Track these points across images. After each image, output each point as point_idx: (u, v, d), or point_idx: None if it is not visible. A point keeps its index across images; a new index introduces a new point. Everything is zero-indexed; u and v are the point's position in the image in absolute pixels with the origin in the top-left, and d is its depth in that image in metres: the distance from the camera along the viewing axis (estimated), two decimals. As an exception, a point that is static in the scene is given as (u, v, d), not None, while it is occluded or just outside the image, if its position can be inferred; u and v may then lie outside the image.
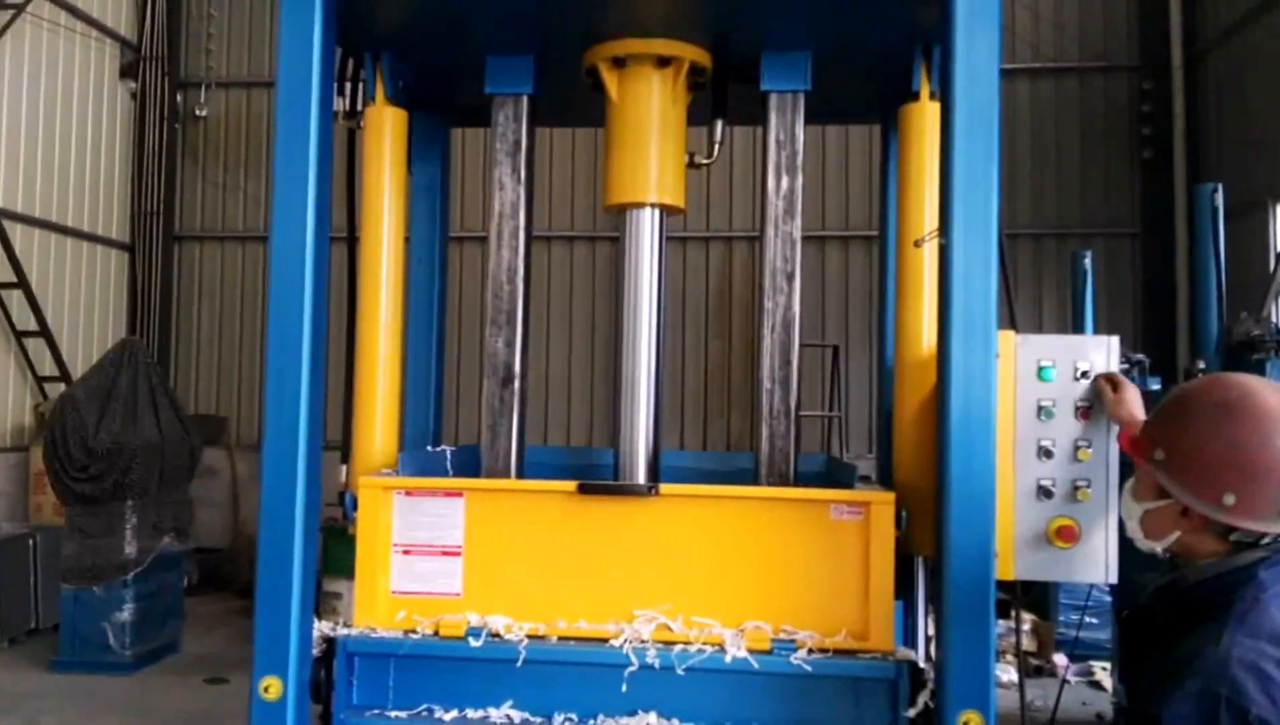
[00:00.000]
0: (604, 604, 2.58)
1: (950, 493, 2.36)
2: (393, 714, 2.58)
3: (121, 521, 7.09)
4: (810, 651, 2.47)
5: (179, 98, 11.25)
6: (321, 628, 2.60)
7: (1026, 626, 6.64)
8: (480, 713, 2.56)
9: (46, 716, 6.17)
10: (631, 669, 2.47)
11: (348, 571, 6.76)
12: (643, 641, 2.50)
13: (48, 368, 9.43)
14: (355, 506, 2.69)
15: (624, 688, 2.49)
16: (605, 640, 2.53)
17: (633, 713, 2.50)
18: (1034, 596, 7.55)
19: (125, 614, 7.13)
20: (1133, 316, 10.10)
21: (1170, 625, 1.79)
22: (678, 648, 2.49)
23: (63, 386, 8.30)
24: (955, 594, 2.36)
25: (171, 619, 7.73)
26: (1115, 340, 2.63)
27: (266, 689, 2.51)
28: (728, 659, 2.45)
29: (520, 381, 2.94)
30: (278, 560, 2.52)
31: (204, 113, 11.27)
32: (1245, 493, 1.71)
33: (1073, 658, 6.81)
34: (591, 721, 2.51)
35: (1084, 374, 2.60)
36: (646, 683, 2.50)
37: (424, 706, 2.59)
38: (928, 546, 2.68)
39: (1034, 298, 10.21)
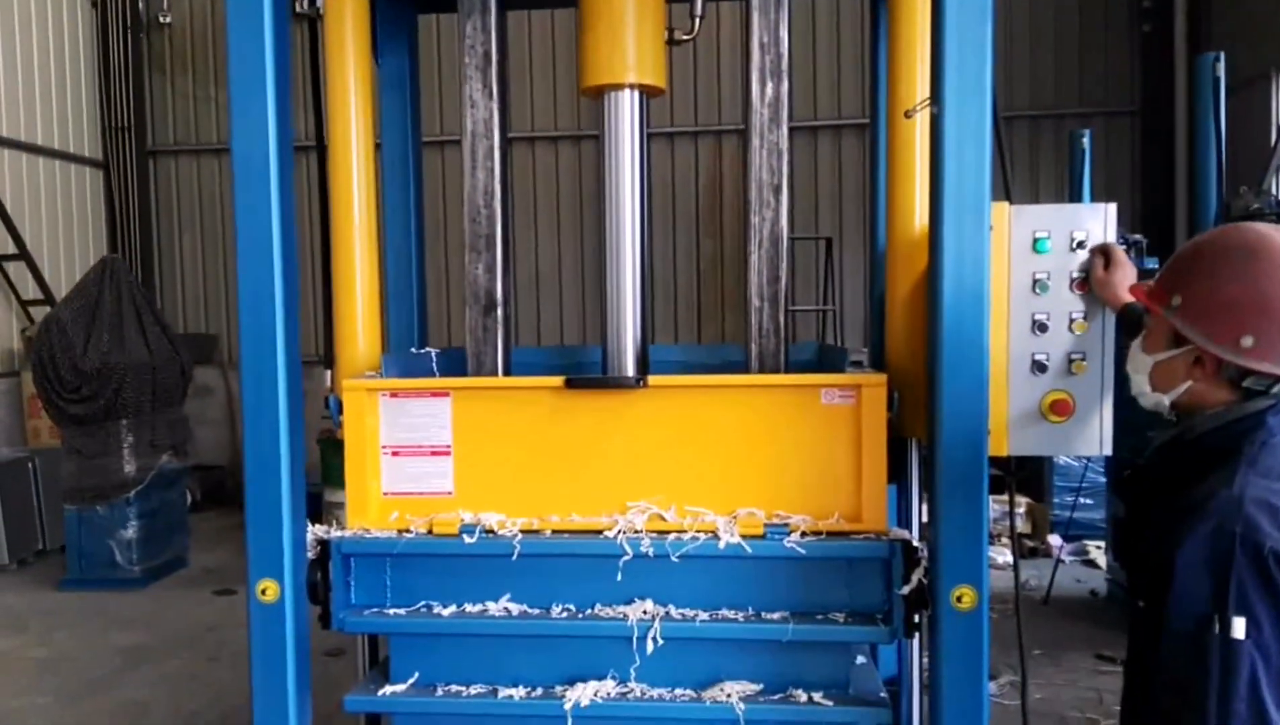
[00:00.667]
0: (596, 497, 2.57)
1: (942, 370, 2.32)
2: (391, 612, 2.60)
3: (118, 441, 7.10)
4: (803, 535, 2.47)
5: (140, 5, 10.85)
6: (315, 531, 2.60)
7: (1021, 509, 6.72)
8: (478, 607, 2.57)
9: (61, 632, 6.28)
10: (626, 559, 2.47)
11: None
12: (636, 532, 2.50)
13: (30, 291, 9.32)
14: (340, 410, 2.65)
15: (619, 577, 2.49)
16: (599, 532, 2.52)
17: (629, 601, 2.52)
18: (1029, 475, 7.64)
19: (130, 531, 7.20)
20: (1131, 197, 9.95)
21: (1176, 478, 1.77)
22: (671, 537, 2.48)
23: (47, 309, 8.21)
24: (947, 470, 2.34)
25: (177, 534, 7.81)
26: (1112, 207, 2.56)
27: (264, 592, 2.52)
28: (721, 545, 2.45)
29: (504, 308, 2.87)
30: (264, 464, 2.48)
31: (168, 20, 10.89)
32: (1263, 334, 1.69)
33: (1067, 538, 6.92)
34: (589, 610, 2.53)
35: (1080, 245, 2.54)
36: (641, 572, 2.50)
37: (422, 604, 2.60)
38: (920, 429, 2.65)
39: (1030, 181, 10.06)
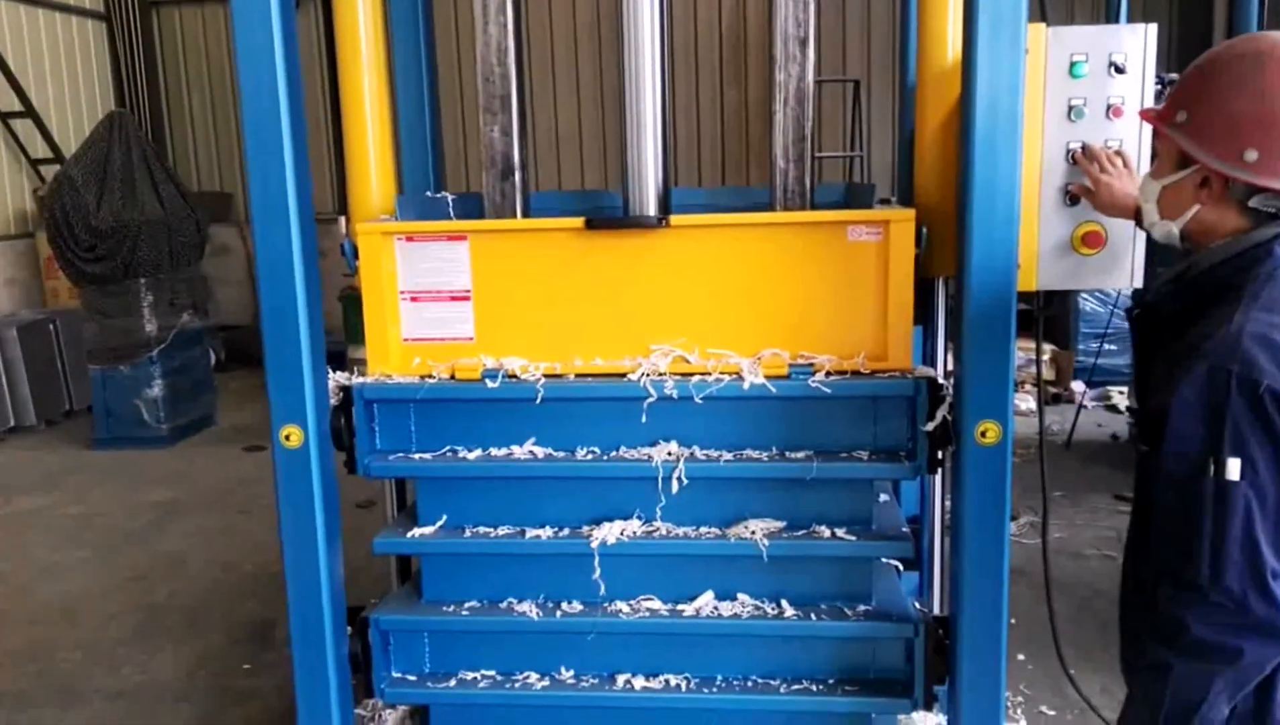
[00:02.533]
0: (619, 341, 2.54)
1: (973, 199, 2.23)
2: (416, 457, 2.61)
3: (137, 300, 7.11)
4: (828, 374, 2.44)
5: None
6: (337, 377, 2.58)
7: (1045, 356, 6.67)
8: (503, 451, 2.58)
9: (93, 490, 6.43)
10: (650, 401, 2.45)
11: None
12: (660, 375, 2.48)
13: (39, 150, 9.19)
14: (356, 255, 2.60)
15: (643, 419, 2.48)
16: (622, 376, 2.50)
17: (653, 443, 2.52)
18: (1054, 314, 7.52)
19: (156, 390, 7.29)
20: (1168, 24, 9.50)
21: (1181, 316, 1.69)
22: (695, 379, 2.46)
23: (57, 168, 8.10)
24: (976, 302, 2.28)
25: (204, 393, 7.91)
26: (1153, 29, 2.41)
27: (288, 437, 2.53)
28: (745, 386, 2.43)
29: (521, 172, 2.77)
30: (281, 307, 2.45)
31: None
32: (1268, 147, 1.58)
33: (1090, 384, 6.91)
34: (613, 453, 2.53)
35: (1117, 68, 2.40)
36: (665, 414, 2.50)
37: (447, 448, 2.61)
38: (949, 266, 2.58)
39: (1065, 4, 9.63)
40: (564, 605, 2.60)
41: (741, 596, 2.57)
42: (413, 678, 2.68)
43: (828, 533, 2.50)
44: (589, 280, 2.54)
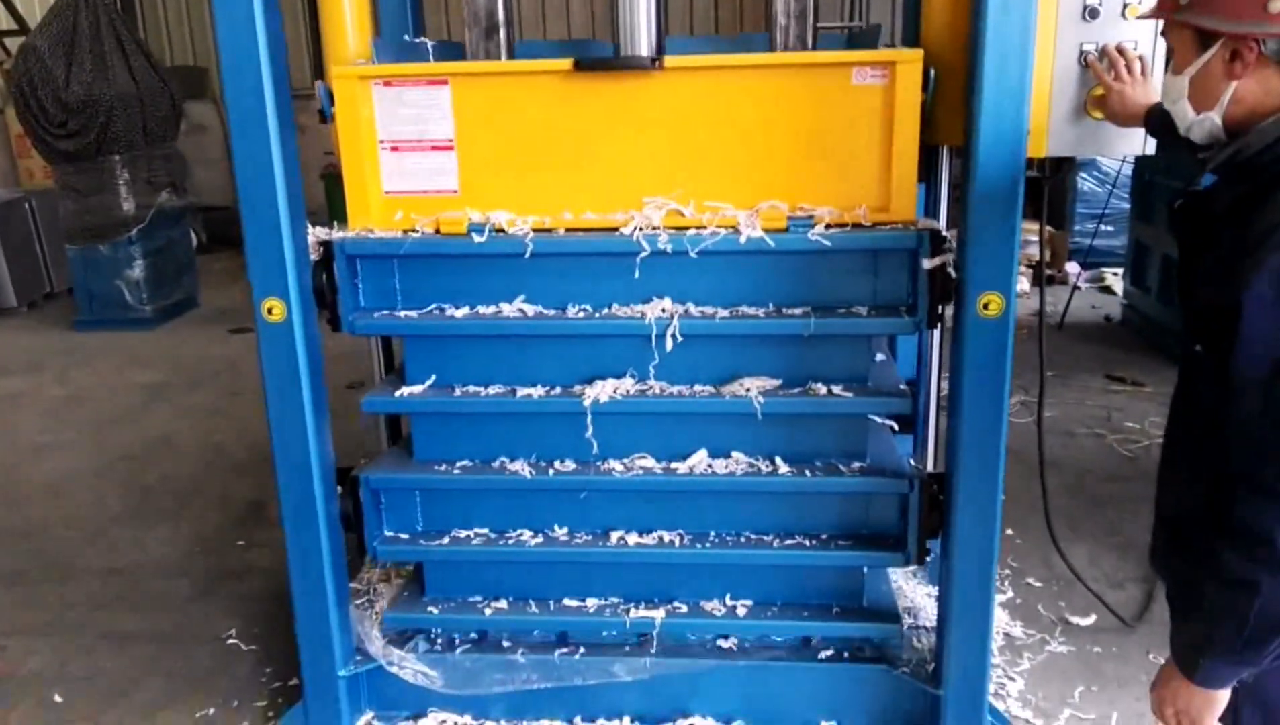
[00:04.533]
0: (610, 193, 2.45)
1: (984, 59, 2.13)
2: (402, 314, 2.54)
3: (113, 177, 6.92)
4: (828, 226, 2.36)
5: None
6: (316, 232, 2.49)
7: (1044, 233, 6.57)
8: (492, 308, 2.52)
9: (78, 371, 6.37)
10: (643, 255, 2.38)
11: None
12: (654, 228, 2.39)
13: (4, 22, 8.81)
14: (331, 100, 2.47)
15: (636, 275, 2.42)
16: (614, 230, 2.42)
17: (646, 300, 2.46)
18: (1053, 195, 7.41)
19: (137, 271, 7.16)
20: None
21: (1236, 205, 1.52)
22: (690, 232, 2.38)
23: (23, 41, 7.76)
24: (983, 172, 2.20)
25: (186, 274, 7.78)
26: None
27: (270, 311, 2.46)
28: (742, 240, 2.35)
29: (506, 30, 2.62)
30: (257, 175, 2.35)
31: None
32: None
33: (1085, 266, 6.85)
34: (605, 310, 2.47)
35: None
36: (659, 270, 2.43)
37: (433, 306, 2.55)
38: (954, 134, 2.48)
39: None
40: (556, 464, 2.59)
41: (736, 454, 2.56)
42: (405, 536, 2.69)
43: (824, 390, 2.47)
44: (578, 129, 2.43)
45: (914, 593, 3.00)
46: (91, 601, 3.57)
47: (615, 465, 2.56)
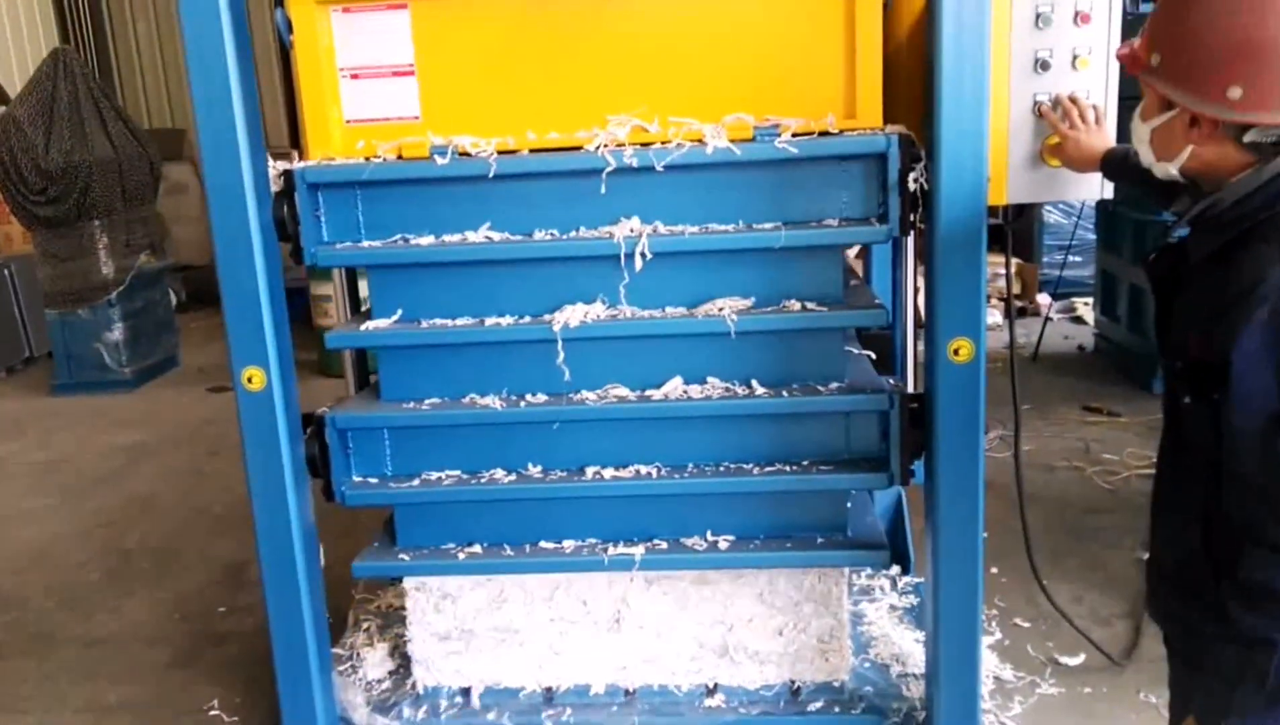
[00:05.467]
0: (574, 112, 2.43)
1: (941, 118, 2.19)
2: (365, 245, 2.50)
3: (92, 242, 6.92)
4: (795, 135, 2.35)
5: None
6: (276, 165, 2.45)
7: (1011, 270, 6.66)
8: (457, 236, 2.48)
9: (60, 434, 6.33)
10: (609, 171, 2.35)
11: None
12: (619, 144, 2.37)
13: (-19, 91, 8.84)
14: (290, 29, 2.45)
15: (603, 191, 2.38)
16: (579, 148, 2.39)
17: (614, 221, 2.43)
18: (1019, 230, 7.52)
19: (116, 333, 7.14)
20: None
21: (1211, 259, 1.54)
22: (656, 146, 2.36)
23: (2, 109, 7.80)
24: (946, 223, 2.26)
25: (165, 335, 7.76)
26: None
27: (250, 380, 2.48)
28: (709, 151, 2.33)
29: None
30: (235, 249, 2.38)
31: None
32: (1251, 82, 1.44)
33: (1055, 296, 6.93)
34: (573, 233, 2.44)
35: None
36: (626, 189, 2.40)
37: (398, 236, 2.51)
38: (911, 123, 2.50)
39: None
40: (528, 397, 2.54)
41: (711, 380, 2.52)
42: (374, 481, 2.63)
43: (798, 306, 2.44)
44: (539, 48, 2.42)
45: (901, 639, 3.01)
46: (71, 674, 3.53)
47: (588, 396, 2.51)
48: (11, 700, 3.39)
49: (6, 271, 7.82)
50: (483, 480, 2.57)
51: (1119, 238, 5.98)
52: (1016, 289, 7.38)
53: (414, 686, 2.83)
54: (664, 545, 2.58)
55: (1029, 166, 2.41)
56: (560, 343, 2.44)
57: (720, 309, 2.43)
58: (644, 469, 2.55)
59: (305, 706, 2.63)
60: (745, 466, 2.54)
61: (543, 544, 2.63)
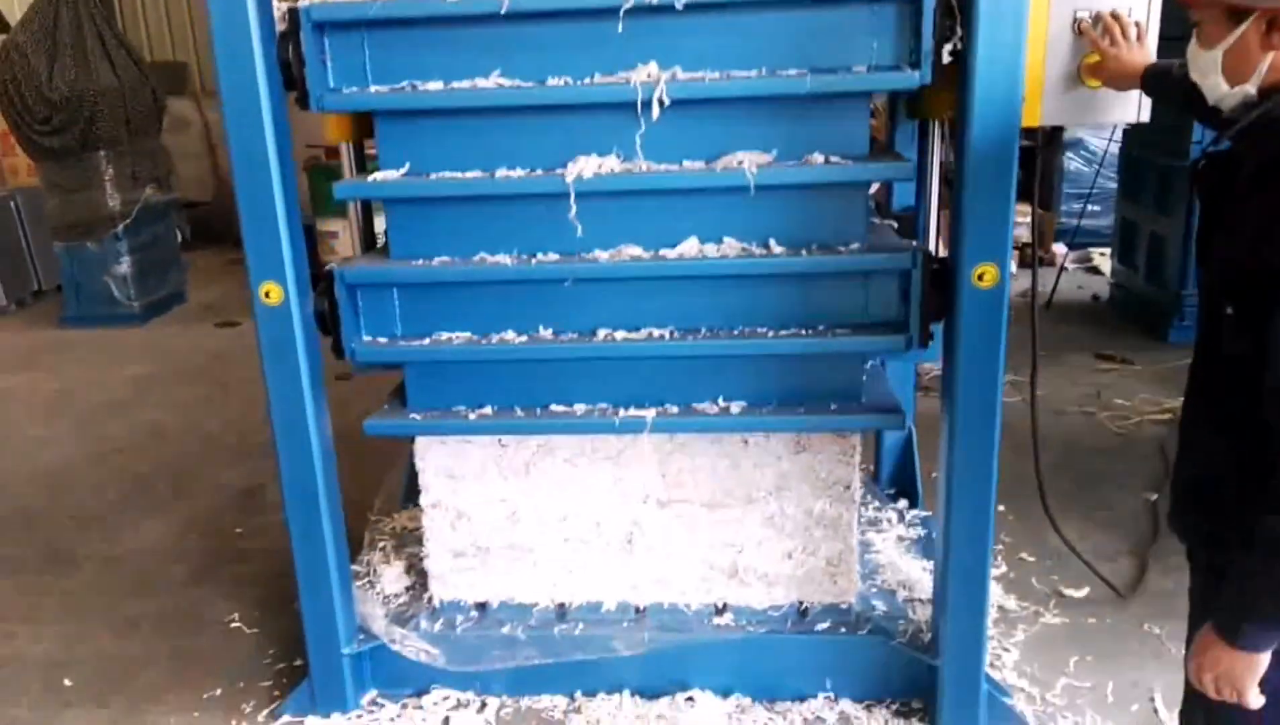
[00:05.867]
0: None
1: (978, 27, 2.15)
2: (373, 89, 2.44)
3: (98, 173, 6.87)
4: None
5: None
6: (281, 4, 2.37)
7: (1025, 220, 6.62)
8: (467, 83, 2.42)
9: (70, 366, 6.34)
10: (627, 6, 2.26)
11: (337, 210, 6.51)
12: None
13: (-15, 19, 8.75)
14: None
15: (620, 29, 2.30)
16: None
17: (631, 67, 2.36)
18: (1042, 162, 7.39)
19: (124, 266, 7.12)
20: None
21: (1266, 166, 1.50)
22: None
23: (3, 37, 7.71)
24: (978, 140, 2.22)
25: (173, 270, 7.74)
26: None
27: (267, 294, 2.47)
28: None
29: None
30: (252, 160, 2.37)
31: None
32: None
33: (1071, 246, 6.89)
34: (587, 80, 2.37)
35: None
36: (644, 32, 2.31)
37: (405, 82, 2.44)
38: (944, 106, 2.50)
39: None
40: (539, 256, 2.50)
41: (728, 240, 2.47)
42: (384, 340, 2.60)
43: (821, 159, 2.39)
44: None
45: (909, 567, 3.04)
46: (92, 588, 3.58)
47: (601, 255, 2.47)
48: (34, 612, 3.45)
49: (13, 203, 7.78)
50: (493, 341, 2.54)
51: (1141, 185, 5.91)
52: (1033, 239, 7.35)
53: (430, 601, 2.87)
54: (675, 410, 2.54)
55: (1065, 88, 2.37)
56: (573, 196, 2.38)
57: (740, 162, 2.36)
58: (657, 332, 2.51)
59: (326, 615, 2.67)
60: (760, 330, 2.49)
61: (554, 407, 2.60)
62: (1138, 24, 2.32)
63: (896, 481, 3.62)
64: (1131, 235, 6.09)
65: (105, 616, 3.39)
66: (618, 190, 2.40)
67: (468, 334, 2.57)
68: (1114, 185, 6.62)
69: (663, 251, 2.47)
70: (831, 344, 2.45)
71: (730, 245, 2.46)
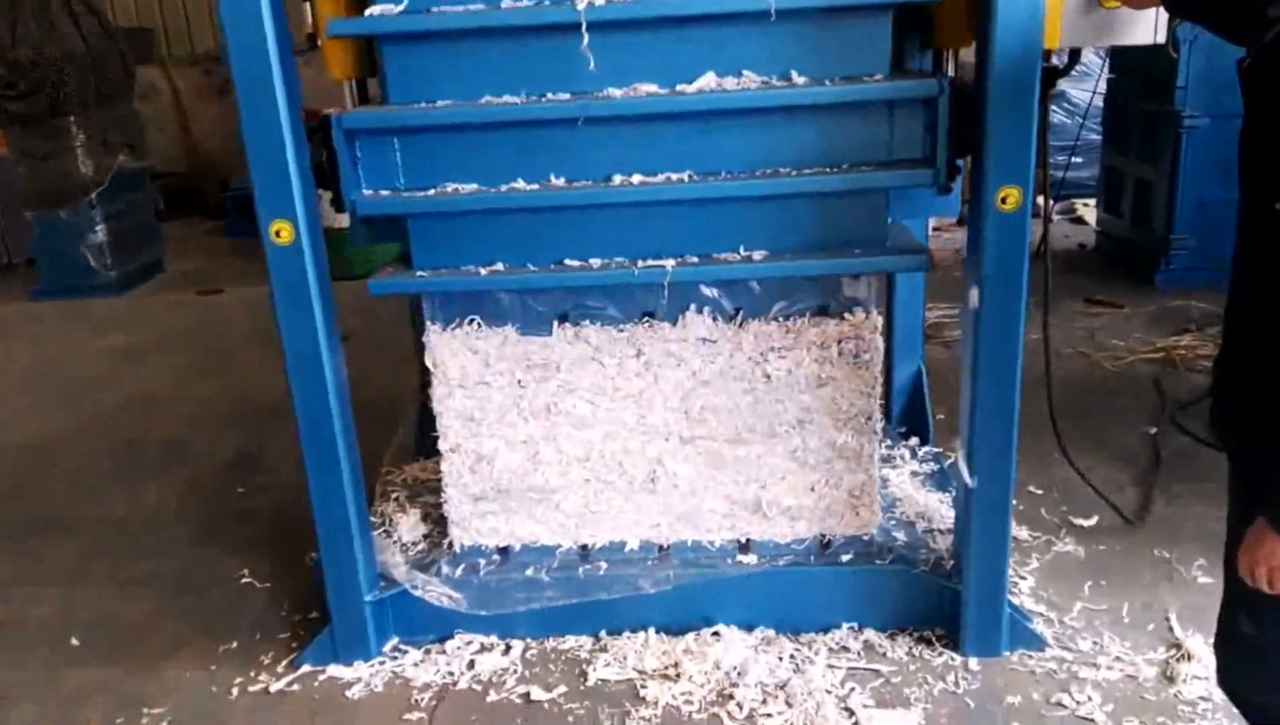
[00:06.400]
0: None
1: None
2: None
3: (69, 139, 6.71)
4: None
5: None
6: None
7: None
8: None
9: (49, 339, 6.21)
10: None
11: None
12: None
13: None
14: None
15: None
16: None
17: None
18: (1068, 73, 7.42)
19: (99, 235, 6.97)
20: None
21: None
22: None
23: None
24: (1001, 65, 2.22)
25: (150, 239, 7.60)
26: None
27: (278, 234, 2.42)
28: None
29: None
30: (259, 99, 2.30)
31: None
32: None
33: (1057, 198, 6.93)
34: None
35: None
36: None
37: None
38: (961, 36, 2.49)
39: None
40: (549, 96, 2.40)
41: (746, 73, 2.40)
42: (385, 192, 2.48)
43: None
44: None
45: (926, 499, 3.05)
46: (92, 551, 3.51)
47: (614, 93, 2.38)
48: (35, 576, 3.39)
49: (-21, 175, 7.59)
50: (502, 190, 2.44)
51: (1126, 133, 5.96)
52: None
53: (450, 547, 2.84)
54: (695, 260, 2.48)
55: (1083, 10, 2.37)
56: (584, 25, 2.28)
57: None
58: (674, 177, 2.42)
59: (347, 561, 2.64)
60: (781, 170, 2.41)
61: (568, 262, 2.51)
62: None
63: (906, 420, 3.63)
64: (1117, 183, 6.14)
65: (109, 578, 3.33)
66: (631, 18, 2.32)
67: (475, 186, 2.46)
68: (1096, 137, 6.66)
69: (680, 87, 2.38)
70: (857, 179, 2.38)
71: (749, 78, 2.39)
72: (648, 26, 2.35)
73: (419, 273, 2.55)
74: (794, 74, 2.39)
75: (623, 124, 2.39)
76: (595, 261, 2.50)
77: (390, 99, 2.46)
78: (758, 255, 2.48)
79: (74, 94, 6.62)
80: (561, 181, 2.43)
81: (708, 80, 2.38)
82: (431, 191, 2.46)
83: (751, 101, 2.35)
